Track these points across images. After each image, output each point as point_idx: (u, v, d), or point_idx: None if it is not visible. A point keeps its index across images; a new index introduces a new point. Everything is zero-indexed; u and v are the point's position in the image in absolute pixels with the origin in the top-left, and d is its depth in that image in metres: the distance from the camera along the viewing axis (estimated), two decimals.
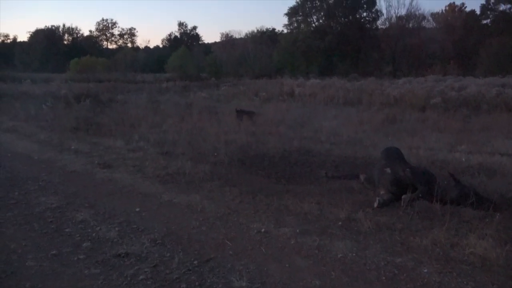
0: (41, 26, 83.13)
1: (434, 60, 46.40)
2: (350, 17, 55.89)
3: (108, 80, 33.71)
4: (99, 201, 5.22)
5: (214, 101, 20.06)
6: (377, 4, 54.47)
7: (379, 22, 54.94)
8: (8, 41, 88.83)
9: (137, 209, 4.91)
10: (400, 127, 11.96)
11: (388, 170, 5.50)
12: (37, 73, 45.06)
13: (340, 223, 4.42)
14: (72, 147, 8.63)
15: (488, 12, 50.60)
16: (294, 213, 4.73)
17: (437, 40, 47.48)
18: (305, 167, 7.43)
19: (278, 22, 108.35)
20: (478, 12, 51.07)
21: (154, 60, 64.58)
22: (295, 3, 57.98)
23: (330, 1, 56.25)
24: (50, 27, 79.81)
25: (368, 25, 55.41)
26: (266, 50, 55.59)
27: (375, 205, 4.96)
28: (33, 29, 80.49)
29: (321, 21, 58.35)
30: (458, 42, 45.84)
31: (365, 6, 55.23)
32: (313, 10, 58.38)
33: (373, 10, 54.81)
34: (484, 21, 50.71)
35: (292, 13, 58.58)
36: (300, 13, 58.56)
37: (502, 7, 48.23)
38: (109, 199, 5.32)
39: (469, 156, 7.86)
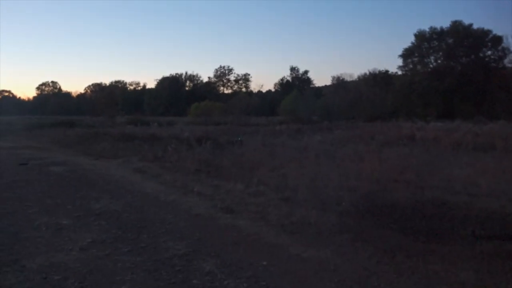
0: (167, 74, 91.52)
1: None
2: (473, 56, 52.34)
3: (224, 123, 35.26)
4: (224, 250, 5.00)
5: (328, 145, 19.57)
6: (504, 41, 50.05)
7: (506, 61, 50.41)
8: (139, 88, 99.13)
9: (264, 263, 4.56)
10: None
11: None
12: (162, 116, 48.94)
13: None
14: (195, 189, 8.74)
15: None
16: (447, 282, 4.00)
17: None
18: (444, 222, 6.52)
19: (392, 64, 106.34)
20: None
21: (267, 103, 66.59)
22: (410, 44, 56.18)
23: (450, 41, 53.49)
24: (174, 75, 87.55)
25: (494, 64, 51.21)
26: (379, 93, 54.16)
27: None
28: (159, 77, 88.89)
29: (439, 61, 55.58)
30: None
31: (489, 44, 51.39)
32: (431, 51, 55.96)
33: (499, 48, 50.69)
34: None
35: (407, 54, 56.76)
36: (416, 54, 56.51)
37: None
38: (235, 248, 5.07)
39: None
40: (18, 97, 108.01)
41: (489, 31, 50.98)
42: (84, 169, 12.34)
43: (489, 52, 51.74)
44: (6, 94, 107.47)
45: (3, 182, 9.82)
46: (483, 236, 5.66)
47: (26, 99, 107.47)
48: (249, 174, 10.40)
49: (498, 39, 50.28)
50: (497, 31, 55.34)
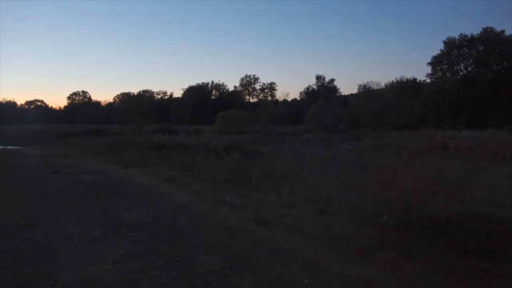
0: (193, 83, 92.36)
1: None
2: (505, 63, 50.88)
3: (250, 132, 35.13)
4: (262, 266, 4.77)
5: (358, 154, 19.13)
6: None
7: None
8: (166, 97, 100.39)
9: (306, 281, 4.31)
10: None
11: None
12: (188, 125, 49.22)
13: None
14: (226, 199, 8.57)
15: None
16: None
17: None
18: (491, 237, 6.12)
19: (420, 72, 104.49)
20: None
21: (293, 112, 66.32)
22: (439, 52, 55.03)
23: (480, 48, 52.17)
24: (200, 84, 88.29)
25: None
26: (407, 101, 53.15)
27: None
28: (186, 86, 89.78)
29: (469, 69, 54.25)
30: None
31: None
32: (460, 58, 54.68)
33: None
34: None
35: (436, 62, 55.62)
36: (446, 62, 55.32)
37: None
38: (273, 264, 4.83)
39: None
40: (50, 106, 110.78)
41: None
42: (114, 177, 12.34)
43: None
44: (39, 103, 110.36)
45: (36, 191, 9.88)
46: None
47: (58, 108, 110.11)
48: (280, 184, 10.15)
49: None
50: None
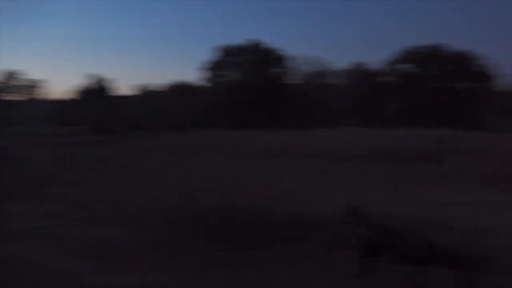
0: None
1: None
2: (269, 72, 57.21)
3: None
4: None
5: (132, 156, 18.55)
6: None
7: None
8: None
9: None
10: None
11: None
12: None
13: None
14: None
15: None
16: None
17: None
18: (249, 228, 6.60)
19: (193, 75, 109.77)
20: None
21: (62, 112, 60.70)
22: (214, 57, 58.53)
23: (249, 58, 57.48)
24: None
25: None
26: (185, 103, 54.74)
27: None
28: None
29: (243, 75, 59.12)
30: None
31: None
32: (231, 65, 59.21)
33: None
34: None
35: (210, 67, 58.99)
36: (218, 68, 59.17)
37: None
38: (22, 285, 4.15)
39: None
40: None
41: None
42: None
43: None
44: None
45: None
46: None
47: None
48: (42, 191, 9.10)
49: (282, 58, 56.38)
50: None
